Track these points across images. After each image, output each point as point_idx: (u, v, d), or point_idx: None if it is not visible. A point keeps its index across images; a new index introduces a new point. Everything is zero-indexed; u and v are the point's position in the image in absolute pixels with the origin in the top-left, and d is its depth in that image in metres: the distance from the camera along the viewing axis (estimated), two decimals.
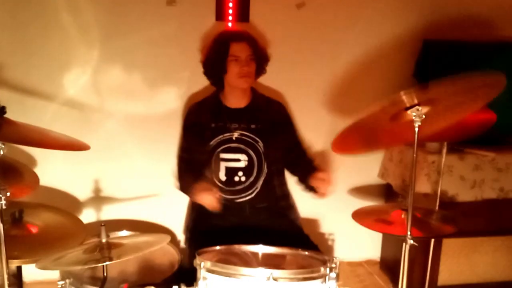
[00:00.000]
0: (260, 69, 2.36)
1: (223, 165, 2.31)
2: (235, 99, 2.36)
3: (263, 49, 2.38)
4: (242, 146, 2.32)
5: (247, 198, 2.33)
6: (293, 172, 2.47)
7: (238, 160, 2.32)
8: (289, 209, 2.45)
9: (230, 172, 2.30)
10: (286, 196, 2.46)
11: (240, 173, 2.32)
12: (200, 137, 2.31)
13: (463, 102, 1.77)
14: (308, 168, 2.30)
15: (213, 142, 2.29)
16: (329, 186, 2.15)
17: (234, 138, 2.31)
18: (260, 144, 2.33)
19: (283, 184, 2.46)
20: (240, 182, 2.32)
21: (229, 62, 2.25)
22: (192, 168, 2.34)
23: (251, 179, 2.33)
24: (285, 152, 2.41)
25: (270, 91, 2.66)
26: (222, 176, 2.32)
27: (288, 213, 2.44)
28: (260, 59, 2.33)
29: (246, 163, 2.32)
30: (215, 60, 2.29)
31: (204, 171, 2.31)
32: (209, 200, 2.10)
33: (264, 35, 2.74)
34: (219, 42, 2.31)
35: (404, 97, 1.65)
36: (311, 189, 2.24)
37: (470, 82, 1.65)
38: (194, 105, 2.44)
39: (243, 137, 2.32)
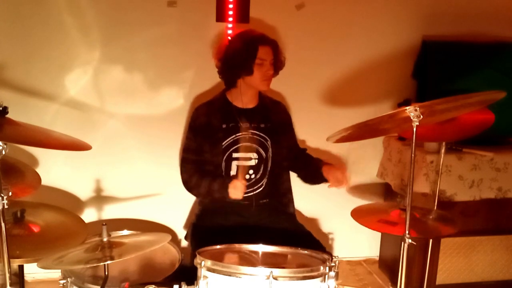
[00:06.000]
0: (276, 73, 2.37)
1: (234, 164, 2.33)
2: (247, 100, 2.37)
3: (282, 54, 2.38)
4: (253, 145, 2.35)
5: (252, 194, 2.36)
6: (297, 170, 2.50)
7: (249, 158, 2.34)
8: (289, 203, 2.49)
9: (242, 170, 2.32)
10: (288, 191, 2.50)
11: (251, 171, 2.35)
12: (212, 138, 2.31)
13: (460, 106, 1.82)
14: (312, 163, 2.39)
15: (225, 143, 2.30)
16: (344, 176, 2.24)
17: (247, 138, 2.34)
18: (269, 142, 2.37)
19: (286, 180, 2.49)
20: (249, 180, 2.35)
21: (255, 65, 2.25)
22: (201, 169, 2.34)
23: (258, 176, 2.37)
24: (287, 150, 2.44)
25: (271, 92, 2.67)
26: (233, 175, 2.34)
27: (288, 208, 2.48)
28: (278, 64, 2.34)
29: (256, 161, 2.35)
30: (241, 60, 2.25)
31: (214, 171, 2.32)
32: (240, 187, 2.14)
33: (282, 40, 2.72)
34: (247, 43, 2.26)
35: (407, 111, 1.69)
36: (322, 180, 2.31)
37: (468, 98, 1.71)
38: (201, 106, 2.40)
39: (254, 136, 2.35)
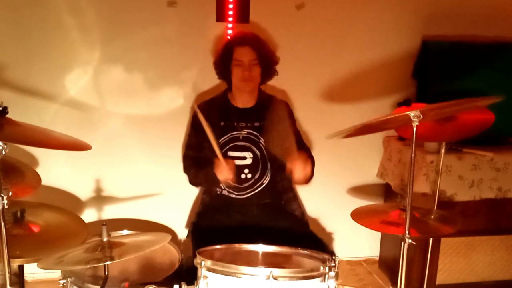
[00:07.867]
0: (268, 72, 2.38)
1: None
2: (242, 100, 2.39)
3: (270, 52, 2.38)
4: (247, 144, 2.36)
5: (252, 194, 2.36)
6: None
7: (244, 158, 2.35)
8: (292, 200, 2.47)
9: (237, 169, 2.31)
10: (288, 189, 2.47)
11: (246, 170, 2.36)
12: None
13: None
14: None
15: (221, 140, 2.32)
16: (302, 168, 2.12)
17: (241, 137, 2.35)
18: (262, 141, 2.37)
19: (286, 178, 2.45)
20: (246, 180, 2.35)
21: (233, 66, 2.30)
22: (199, 164, 2.36)
23: (257, 176, 2.37)
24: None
25: (273, 90, 2.67)
26: None
27: (291, 204, 2.46)
28: (266, 63, 2.34)
29: (251, 160, 2.35)
30: (221, 64, 2.36)
31: (212, 165, 2.32)
32: (226, 171, 2.15)
33: (272, 38, 2.74)
34: (225, 46, 2.36)
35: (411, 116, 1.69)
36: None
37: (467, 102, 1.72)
38: (202, 103, 2.44)
39: (249, 135, 2.36)
